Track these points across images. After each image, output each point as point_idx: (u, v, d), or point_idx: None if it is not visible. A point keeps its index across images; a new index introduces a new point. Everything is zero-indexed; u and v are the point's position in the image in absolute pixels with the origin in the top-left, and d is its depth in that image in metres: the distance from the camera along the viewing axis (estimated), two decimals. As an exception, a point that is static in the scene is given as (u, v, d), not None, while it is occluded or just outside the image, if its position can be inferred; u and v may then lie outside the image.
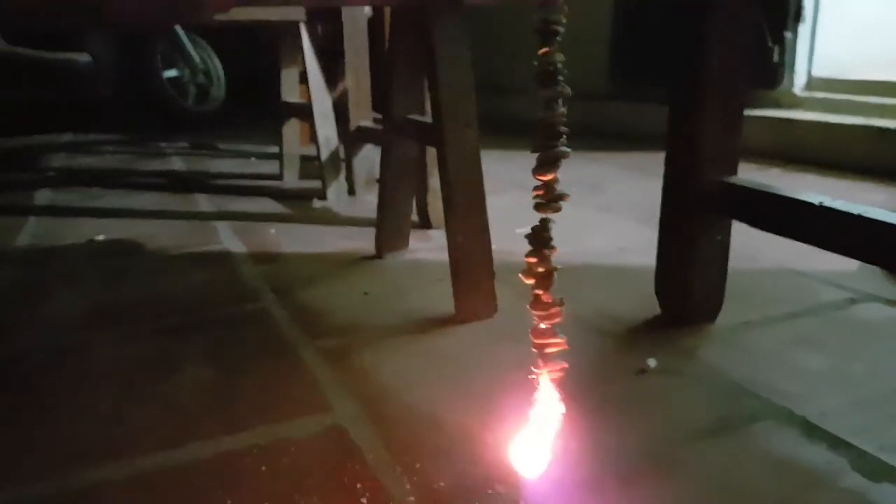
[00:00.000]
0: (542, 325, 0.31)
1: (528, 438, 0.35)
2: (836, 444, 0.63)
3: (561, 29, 0.28)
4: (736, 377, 0.75)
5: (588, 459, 0.62)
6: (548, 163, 0.29)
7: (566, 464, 0.61)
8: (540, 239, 0.30)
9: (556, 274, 0.31)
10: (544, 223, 0.31)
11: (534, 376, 0.33)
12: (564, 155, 0.29)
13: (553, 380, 0.33)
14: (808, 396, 0.71)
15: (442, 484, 0.59)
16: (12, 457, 0.67)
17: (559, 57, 0.29)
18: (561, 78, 0.29)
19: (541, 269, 0.31)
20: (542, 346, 0.32)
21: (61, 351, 0.90)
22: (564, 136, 0.29)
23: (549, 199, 0.29)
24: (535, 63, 0.29)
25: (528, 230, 0.33)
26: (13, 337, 0.95)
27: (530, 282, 0.31)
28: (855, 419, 0.66)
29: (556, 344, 0.32)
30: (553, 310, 0.31)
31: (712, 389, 0.73)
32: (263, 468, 0.63)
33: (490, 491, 0.58)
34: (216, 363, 0.84)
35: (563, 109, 0.29)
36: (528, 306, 0.32)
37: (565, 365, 0.32)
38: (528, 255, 0.31)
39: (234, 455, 0.65)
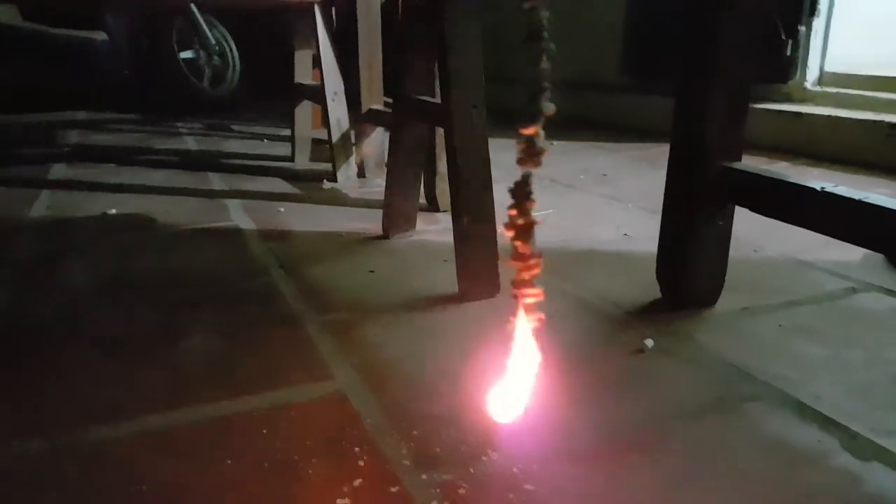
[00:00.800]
0: (522, 276, 0.33)
1: (505, 385, 0.36)
2: (828, 425, 0.64)
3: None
4: (732, 360, 0.76)
5: (580, 432, 0.63)
6: (531, 116, 0.30)
7: (559, 435, 0.63)
8: (521, 192, 0.31)
9: (535, 227, 0.32)
10: (525, 177, 0.32)
11: (510, 325, 0.35)
12: (549, 110, 0.30)
13: (530, 329, 0.34)
14: (804, 381, 0.71)
15: (437, 450, 0.61)
16: (24, 414, 0.69)
17: (544, 13, 0.29)
18: (546, 34, 0.29)
19: (520, 222, 0.32)
20: (521, 297, 0.33)
21: (73, 319, 0.92)
22: (548, 92, 0.30)
23: (530, 152, 0.30)
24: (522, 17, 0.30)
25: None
26: (27, 305, 0.98)
27: (510, 234, 0.33)
28: (848, 403, 0.67)
29: (534, 294, 0.33)
30: (532, 261, 0.32)
31: (707, 371, 0.74)
32: (264, 430, 0.64)
33: (484, 458, 0.59)
34: (223, 333, 0.86)
35: (547, 65, 0.30)
36: (509, 258, 0.34)
37: (542, 315, 0.34)
38: (509, 208, 0.32)
39: (235, 417, 0.67)
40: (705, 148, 0.82)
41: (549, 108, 0.31)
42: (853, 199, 0.68)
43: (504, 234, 0.32)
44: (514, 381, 0.38)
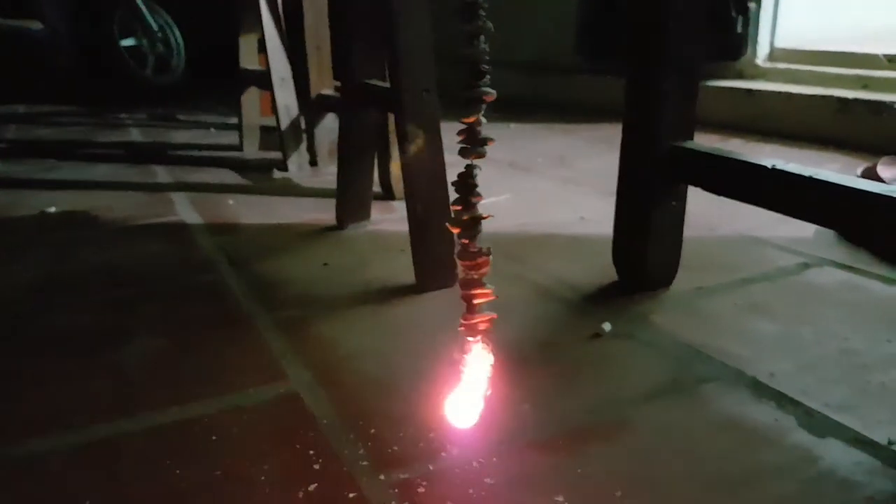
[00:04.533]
0: (470, 275, 0.31)
1: (459, 389, 0.34)
2: (784, 402, 0.64)
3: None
4: (688, 341, 0.76)
5: (539, 422, 0.62)
6: (471, 103, 0.28)
7: (518, 426, 0.62)
8: (464, 186, 0.29)
9: (481, 223, 0.30)
10: (469, 169, 0.30)
11: (462, 327, 0.33)
12: (488, 96, 0.29)
13: (481, 330, 0.32)
14: (758, 359, 0.72)
15: (396, 448, 0.59)
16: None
17: (481, -11, 0.28)
18: (482, 12, 0.28)
19: (466, 218, 0.30)
20: (469, 297, 0.31)
21: (10, 322, 0.87)
22: (488, 76, 0.28)
23: (472, 143, 0.28)
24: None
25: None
26: (-43, 310, 0.92)
27: (456, 231, 0.31)
28: (802, 379, 0.68)
29: (484, 294, 0.31)
30: (480, 259, 0.31)
31: (664, 352, 0.74)
32: (213, 437, 0.62)
33: (443, 454, 0.58)
34: (168, 334, 0.83)
35: (485, 46, 0.28)
36: (454, 256, 0.32)
37: (494, 315, 0.32)
38: (453, 203, 0.31)
39: (183, 424, 0.64)
40: (656, 129, 0.82)
41: (490, 93, 0.29)
42: (803, 176, 0.68)
43: (450, 231, 0.30)
44: (471, 378, 0.36)
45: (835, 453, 0.57)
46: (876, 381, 0.67)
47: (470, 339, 0.33)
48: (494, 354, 0.35)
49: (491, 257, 0.31)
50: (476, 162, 0.33)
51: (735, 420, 0.62)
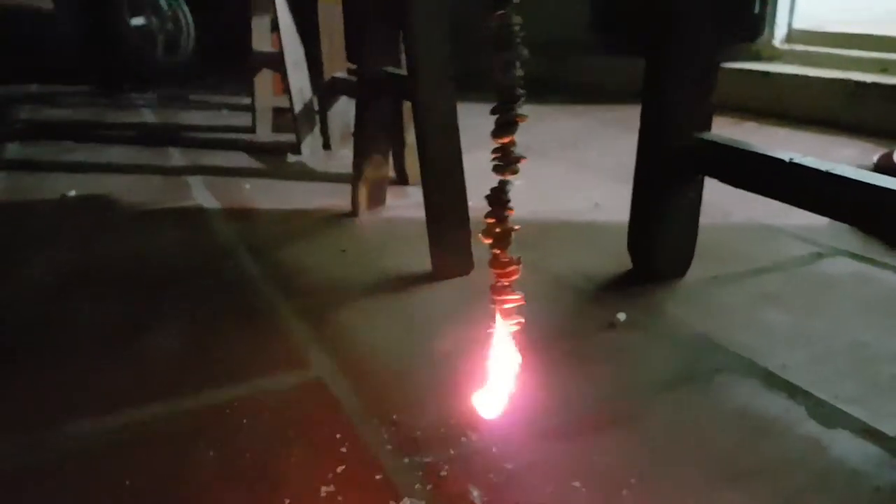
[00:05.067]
0: (501, 283, 0.33)
1: (489, 387, 0.36)
2: (795, 393, 0.66)
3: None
4: (702, 331, 0.78)
5: (556, 409, 0.64)
6: (505, 126, 0.30)
7: (535, 413, 0.64)
8: (498, 200, 0.31)
9: (513, 234, 0.32)
10: (502, 185, 0.31)
11: (492, 330, 0.35)
12: (521, 118, 0.30)
13: (511, 333, 0.34)
14: (771, 350, 0.73)
15: (418, 433, 0.61)
16: (-8, 413, 0.68)
17: (516, 19, 0.29)
18: (518, 40, 0.29)
19: (498, 230, 0.32)
20: (500, 303, 0.33)
21: (38, 311, 0.90)
22: (522, 100, 0.29)
23: (506, 161, 0.30)
24: (491, 24, 0.29)
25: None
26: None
27: (488, 242, 0.32)
28: (814, 371, 0.69)
29: (514, 300, 0.33)
30: (511, 268, 0.32)
31: (678, 343, 0.76)
32: (244, 421, 0.64)
33: (463, 439, 0.60)
34: (193, 321, 0.85)
35: (520, 72, 0.29)
36: (487, 265, 0.33)
37: (522, 320, 0.34)
38: (486, 216, 0.32)
39: (214, 409, 0.66)
40: (675, 119, 0.83)
41: (523, 116, 0.30)
42: (820, 171, 0.69)
43: (482, 242, 0.32)
44: (499, 375, 0.38)
45: (844, 444, 0.59)
46: (886, 373, 0.69)
47: (499, 340, 0.35)
48: (527, 355, 0.37)
49: (521, 265, 0.33)
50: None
51: (747, 410, 0.64)
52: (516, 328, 0.34)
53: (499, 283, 0.33)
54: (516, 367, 0.36)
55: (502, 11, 0.28)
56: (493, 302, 0.34)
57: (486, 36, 0.29)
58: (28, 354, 0.79)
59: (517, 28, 0.28)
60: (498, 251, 0.32)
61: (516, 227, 0.32)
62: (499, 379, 0.36)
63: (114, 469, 0.58)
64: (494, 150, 0.30)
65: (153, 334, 0.82)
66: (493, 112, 0.30)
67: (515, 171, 0.30)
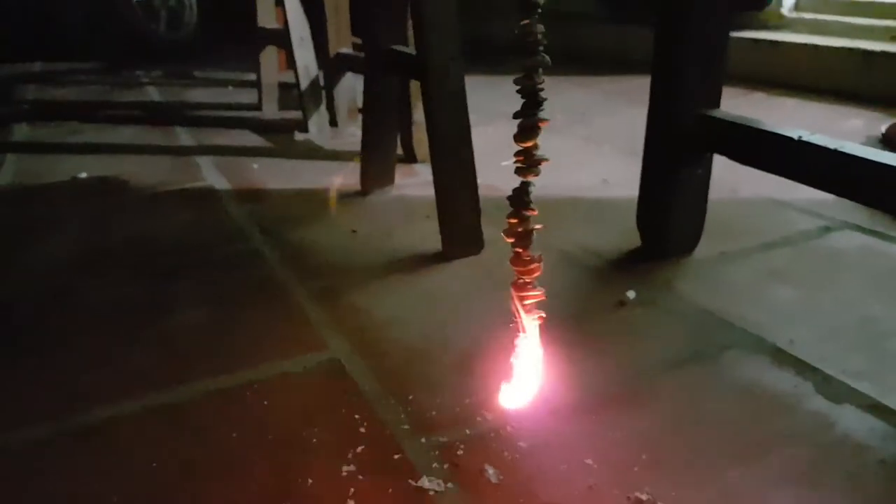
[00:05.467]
0: (523, 280, 0.34)
1: (512, 377, 0.38)
2: (803, 369, 0.67)
3: (542, 1, 0.29)
4: (711, 308, 0.79)
5: (568, 388, 0.66)
6: (528, 130, 0.31)
7: (548, 392, 0.65)
8: (520, 201, 0.32)
9: (534, 233, 0.33)
10: (524, 186, 0.32)
11: (514, 324, 0.36)
12: (544, 122, 0.31)
13: (533, 326, 0.36)
14: (779, 326, 0.74)
15: (433, 413, 0.63)
16: (14, 398, 0.70)
17: (539, 28, 0.29)
18: (541, 48, 0.30)
19: (520, 230, 0.33)
20: (522, 298, 0.34)
21: (53, 294, 0.92)
22: (544, 105, 0.30)
23: (529, 164, 0.31)
24: (516, 32, 0.30)
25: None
26: (2, 280, 0.97)
27: (511, 240, 0.34)
28: (821, 346, 0.71)
29: (535, 296, 0.35)
30: (532, 265, 0.33)
31: (687, 320, 0.77)
32: (265, 402, 0.66)
33: (478, 418, 0.62)
34: (209, 304, 0.86)
35: (542, 78, 0.30)
36: (509, 262, 0.35)
37: (543, 314, 0.35)
38: (508, 217, 0.33)
39: (235, 391, 0.68)
40: (682, 97, 0.83)
41: (545, 119, 0.31)
42: (828, 149, 0.69)
43: (504, 240, 0.33)
44: (523, 368, 0.39)
45: (850, 419, 0.60)
46: (893, 347, 0.70)
47: (522, 333, 0.36)
48: (545, 339, 0.38)
49: (542, 263, 0.34)
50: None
51: (755, 387, 0.65)
52: (538, 322, 0.36)
53: (521, 280, 0.34)
54: (539, 363, 0.37)
55: (527, 21, 0.29)
56: (516, 298, 0.35)
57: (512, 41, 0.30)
58: (45, 336, 0.81)
59: (541, 36, 0.29)
60: (520, 250, 0.33)
61: (538, 227, 0.33)
62: (522, 373, 0.38)
63: (137, 451, 0.61)
64: (517, 154, 0.31)
65: (171, 316, 0.83)
66: (515, 116, 0.31)
67: (537, 174, 0.31)
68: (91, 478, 0.58)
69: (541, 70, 0.29)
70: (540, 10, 0.30)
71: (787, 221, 1.02)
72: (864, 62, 1.64)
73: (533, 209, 0.32)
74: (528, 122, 0.30)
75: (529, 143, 0.31)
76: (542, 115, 0.30)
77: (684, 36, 0.80)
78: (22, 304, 0.89)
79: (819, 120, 1.53)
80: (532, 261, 0.33)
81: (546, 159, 0.31)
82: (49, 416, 0.66)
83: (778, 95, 1.76)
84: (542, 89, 0.30)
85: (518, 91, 0.31)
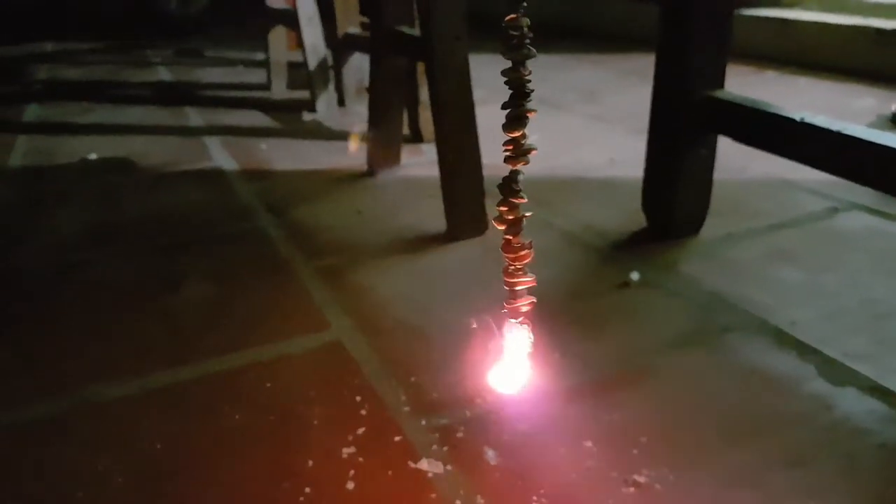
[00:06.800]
0: (514, 266, 0.34)
1: (503, 365, 0.38)
2: (805, 351, 0.67)
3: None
4: (714, 289, 0.79)
5: (568, 370, 0.66)
6: (516, 119, 0.31)
7: (548, 374, 0.66)
8: (509, 190, 0.32)
9: (524, 220, 0.33)
10: (513, 174, 0.33)
11: (505, 310, 0.36)
12: (531, 112, 0.31)
13: (523, 312, 0.36)
14: (782, 307, 0.74)
15: (434, 395, 0.64)
16: (24, 375, 0.71)
17: (525, 21, 0.29)
18: (527, 41, 0.30)
19: (510, 217, 0.33)
20: (512, 284, 0.35)
21: (62, 270, 0.93)
22: (531, 96, 0.30)
23: (517, 153, 0.31)
24: (502, 26, 0.30)
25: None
26: (14, 257, 0.98)
27: (502, 228, 0.34)
28: (823, 328, 0.70)
29: (526, 282, 0.35)
30: (522, 252, 0.34)
31: (690, 301, 0.77)
32: (268, 384, 0.67)
33: (478, 400, 0.62)
34: (215, 282, 0.87)
35: (529, 70, 0.30)
36: (500, 249, 0.35)
37: (534, 299, 0.36)
38: (498, 205, 0.34)
39: (238, 371, 0.69)
40: (687, 78, 0.82)
41: (533, 110, 0.31)
42: (831, 131, 0.68)
43: (496, 227, 0.34)
44: (512, 355, 0.40)
45: (850, 401, 0.60)
46: (895, 329, 0.70)
47: (513, 320, 0.37)
48: (542, 323, 0.39)
49: (532, 250, 0.34)
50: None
51: (757, 368, 0.65)
52: (528, 308, 0.36)
53: (511, 267, 0.34)
54: (530, 348, 0.38)
55: (513, 15, 0.29)
56: (506, 284, 0.35)
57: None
58: (52, 313, 0.82)
59: (527, 30, 0.29)
60: (511, 237, 0.33)
61: (527, 215, 0.33)
62: (514, 358, 0.38)
63: (143, 432, 0.62)
64: (506, 143, 0.32)
65: (176, 293, 0.84)
66: (503, 107, 0.31)
67: (527, 162, 0.32)
68: (94, 456, 0.59)
69: (527, 63, 0.29)
70: (525, 5, 0.30)
71: (795, 202, 1.01)
72: (876, 40, 1.61)
73: (522, 197, 0.32)
74: (516, 113, 0.30)
75: (517, 133, 0.31)
76: (529, 105, 0.31)
77: (688, 15, 0.79)
78: (28, 280, 0.91)
79: (831, 98, 1.50)
80: (523, 248, 0.33)
81: (534, 149, 0.31)
82: (52, 392, 0.67)
83: (790, 74, 1.73)
84: (529, 81, 0.30)
85: (505, 83, 0.31)
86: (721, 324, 0.72)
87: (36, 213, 1.14)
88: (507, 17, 0.29)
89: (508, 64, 0.31)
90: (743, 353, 0.68)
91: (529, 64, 0.31)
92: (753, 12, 1.89)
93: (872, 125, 1.26)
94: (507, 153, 0.32)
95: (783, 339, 0.69)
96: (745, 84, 1.53)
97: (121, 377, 0.69)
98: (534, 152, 0.31)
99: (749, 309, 0.74)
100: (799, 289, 0.78)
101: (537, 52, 0.31)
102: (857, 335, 0.69)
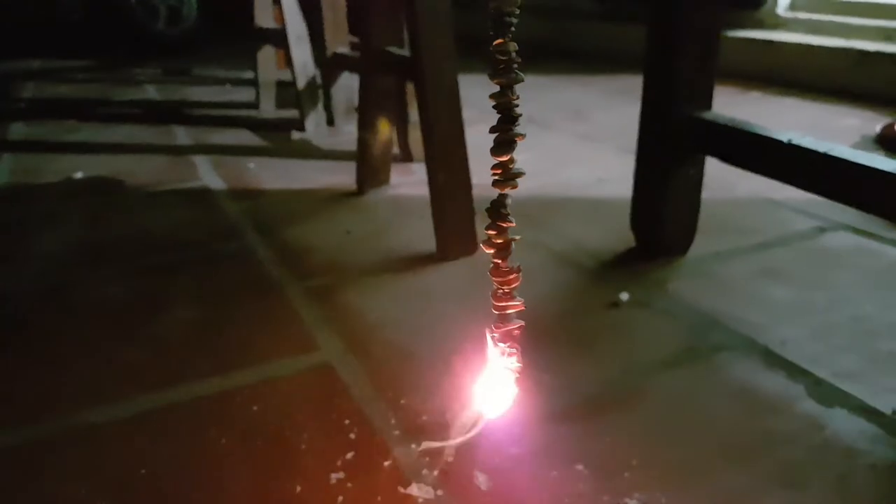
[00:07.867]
0: (502, 290, 0.34)
1: (489, 388, 0.38)
2: (794, 371, 0.67)
3: (515, 20, 0.29)
4: (703, 309, 0.79)
5: (559, 391, 0.66)
6: (504, 144, 0.31)
7: (539, 396, 0.65)
8: (497, 214, 0.32)
9: (513, 244, 0.33)
10: (501, 198, 0.33)
11: (493, 335, 0.36)
12: (520, 137, 0.31)
13: (511, 336, 0.36)
14: (771, 326, 0.74)
15: (424, 418, 0.63)
16: (7, 399, 0.70)
17: (512, 46, 0.29)
18: (515, 66, 0.30)
19: (499, 241, 0.33)
20: (501, 308, 0.34)
21: (47, 292, 0.92)
22: (518, 121, 0.30)
23: (505, 177, 0.31)
24: (490, 50, 0.30)
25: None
26: (2, 279, 0.97)
27: (490, 251, 0.34)
28: (813, 347, 0.71)
29: (514, 306, 0.35)
30: (510, 276, 0.34)
31: (680, 321, 0.77)
32: (255, 407, 0.66)
33: (469, 423, 0.62)
34: (203, 303, 0.86)
35: (517, 94, 0.30)
36: (488, 272, 0.35)
37: (522, 324, 0.35)
38: (486, 228, 0.34)
39: (226, 394, 0.68)
40: (674, 99, 0.82)
41: (521, 135, 0.31)
42: (818, 152, 0.69)
43: (484, 251, 0.33)
44: (499, 377, 0.40)
45: (840, 422, 0.60)
46: (885, 348, 0.70)
47: (501, 344, 0.36)
48: (533, 344, 0.38)
49: (521, 274, 0.34)
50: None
51: (747, 389, 0.65)
52: (517, 331, 0.36)
53: (500, 291, 0.34)
54: (518, 372, 0.37)
55: (500, 40, 0.29)
56: (494, 308, 0.35)
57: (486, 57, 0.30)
58: (36, 333, 0.81)
59: (515, 54, 0.29)
60: (498, 261, 0.33)
61: (516, 238, 0.33)
62: (502, 382, 0.38)
63: (129, 457, 0.61)
64: (494, 167, 0.31)
65: (164, 316, 0.83)
66: (491, 131, 0.31)
67: (515, 186, 0.32)
68: (77, 481, 0.58)
69: (514, 87, 0.29)
70: (513, 30, 0.30)
71: (783, 221, 1.01)
72: (859, 61, 1.64)
73: (511, 221, 0.32)
74: (504, 138, 0.30)
75: (505, 157, 0.31)
76: (517, 129, 0.31)
77: (676, 37, 0.80)
78: (13, 301, 0.90)
79: (815, 119, 1.52)
80: (511, 272, 0.33)
81: (523, 173, 0.31)
82: (37, 417, 0.66)
83: (774, 94, 1.75)
84: (517, 105, 0.30)
85: (493, 107, 0.31)
86: (711, 343, 0.73)
87: (21, 233, 1.12)
88: (495, 42, 0.29)
89: (496, 87, 0.31)
90: (733, 373, 0.68)
91: (518, 86, 0.31)
92: (739, 34, 1.92)
93: (857, 145, 1.28)
94: (496, 177, 0.32)
95: (773, 359, 0.69)
96: (730, 104, 1.54)
97: (107, 401, 0.68)
98: (522, 176, 0.31)
99: (739, 328, 0.75)
100: (788, 307, 0.78)
101: (526, 71, 0.31)
102: (847, 354, 0.69)
